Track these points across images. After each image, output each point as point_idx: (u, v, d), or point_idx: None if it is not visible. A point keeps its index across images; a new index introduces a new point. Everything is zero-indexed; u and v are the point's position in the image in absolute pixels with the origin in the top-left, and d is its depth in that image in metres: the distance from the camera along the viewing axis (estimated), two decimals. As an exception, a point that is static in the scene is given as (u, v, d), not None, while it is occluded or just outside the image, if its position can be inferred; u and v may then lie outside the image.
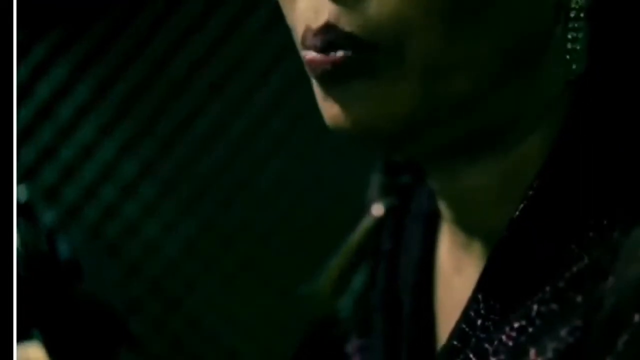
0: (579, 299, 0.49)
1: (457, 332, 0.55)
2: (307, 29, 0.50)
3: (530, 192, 0.52)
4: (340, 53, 0.49)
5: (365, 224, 0.71)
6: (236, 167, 1.93)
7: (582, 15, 0.50)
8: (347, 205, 1.97)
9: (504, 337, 0.51)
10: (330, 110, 0.51)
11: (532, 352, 0.49)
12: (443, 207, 0.59)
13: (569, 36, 0.50)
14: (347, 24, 0.48)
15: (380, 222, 0.70)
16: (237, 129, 1.91)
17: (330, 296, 0.71)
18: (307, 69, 0.52)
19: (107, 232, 1.89)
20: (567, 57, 0.51)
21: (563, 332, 0.48)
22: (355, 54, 0.49)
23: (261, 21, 1.87)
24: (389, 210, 0.69)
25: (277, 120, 1.92)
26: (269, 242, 1.97)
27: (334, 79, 0.50)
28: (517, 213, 0.52)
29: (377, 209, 0.70)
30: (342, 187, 1.96)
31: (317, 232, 1.98)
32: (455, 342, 0.55)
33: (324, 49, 0.49)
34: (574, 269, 0.50)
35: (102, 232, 1.88)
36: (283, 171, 1.95)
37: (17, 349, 1.28)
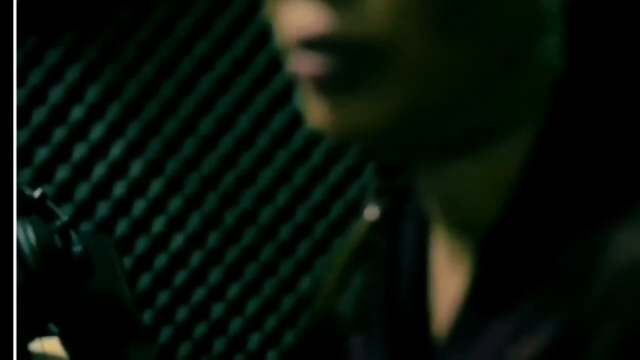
0: (564, 297, 0.49)
1: (452, 332, 0.56)
2: (295, 40, 0.49)
3: (512, 193, 0.52)
4: (327, 62, 0.48)
5: (361, 225, 0.69)
6: (240, 164, 1.94)
7: (559, 17, 0.50)
8: (347, 199, 2.01)
9: (494, 335, 0.52)
10: (316, 114, 0.50)
11: (521, 348, 0.50)
12: (430, 208, 0.59)
13: (547, 38, 0.50)
14: (335, 31, 0.47)
15: (376, 224, 0.68)
16: (241, 127, 1.93)
17: (331, 295, 0.70)
18: (295, 73, 0.51)
19: (116, 228, 1.92)
20: (547, 59, 0.50)
21: (549, 330, 0.49)
22: (344, 61, 0.48)
23: (263, 24, 1.88)
24: (384, 212, 0.67)
25: (279, 118, 1.94)
26: (273, 234, 1.99)
27: (323, 90, 0.49)
28: (500, 214, 0.52)
29: (372, 211, 0.68)
30: (342, 182, 1.99)
31: (319, 225, 2.00)
32: (450, 342, 0.56)
33: (311, 48, 0.49)
34: (559, 267, 0.50)
35: (112, 229, 1.91)
36: (285, 166, 1.96)
37: (34, 343, 1.32)
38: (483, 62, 0.48)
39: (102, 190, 1.90)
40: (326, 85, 0.49)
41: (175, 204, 1.93)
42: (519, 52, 0.49)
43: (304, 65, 0.49)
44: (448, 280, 0.60)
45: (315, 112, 0.50)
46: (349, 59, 0.48)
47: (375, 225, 0.68)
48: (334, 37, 0.47)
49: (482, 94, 0.50)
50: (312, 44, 0.48)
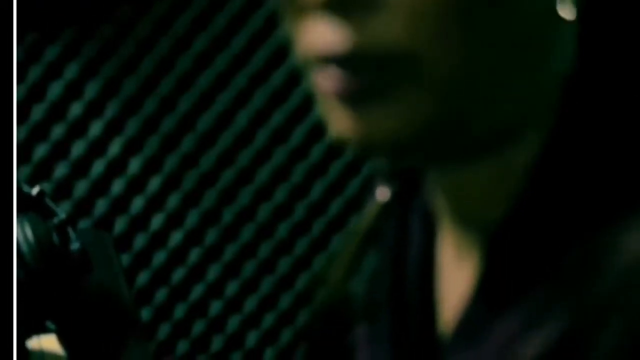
0: (570, 294, 0.50)
1: (458, 328, 0.57)
2: (320, 58, 0.49)
3: (521, 191, 0.53)
4: (353, 79, 0.48)
5: (371, 208, 0.69)
6: (239, 160, 1.94)
7: (571, 16, 0.49)
8: (346, 196, 2.01)
9: (500, 332, 0.53)
10: (341, 124, 0.51)
11: (526, 345, 0.51)
12: (438, 202, 0.60)
13: (560, 37, 0.50)
14: (354, 48, 0.48)
15: (386, 207, 0.68)
16: (240, 124, 1.93)
17: (341, 281, 0.70)
18: (319, 87, 0.51)
19: (115, 226, 1.92)
20: (558, 62, 0.51)
21: (554, 327, 0.49)
22: (368, 76, 0.48)
23: (262, 20, 1.88)
24: (394, 195, 0.68)
25: (278, 115, 1.94)
26: (271, 231, 1.99)
27: (348, 102, 0.50)
28: (508, 211, 0.53)
29: (383, 193, 0.68)
30: (341, 179, 1.99)
31: (317, 222, 2.00)
32: (455, 338, 0.57)
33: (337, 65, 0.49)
34: (565, 264, 0.50)
35: (110, 226, 1.91)
36: (284, 163, 1.96)
37: (32, 340, 1.32)
38: (501, 66, 0.49)
39: (100, 187, 1.90)
40: (351, 99, 0.49)
41: (173, 201, 1.94)
42: (534, 56, 0.50)
43: (327, 82, 0.50)
44: (455, 276, 0.60)
45: (340, 122, 0.51)
46: (372, 74, 0.48)
47: (385, 208, 0.68)
48: (354, 54, 0.48)
49: (501, 97, 0.50)
50: (338, 62, 0.48)
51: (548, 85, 0.52)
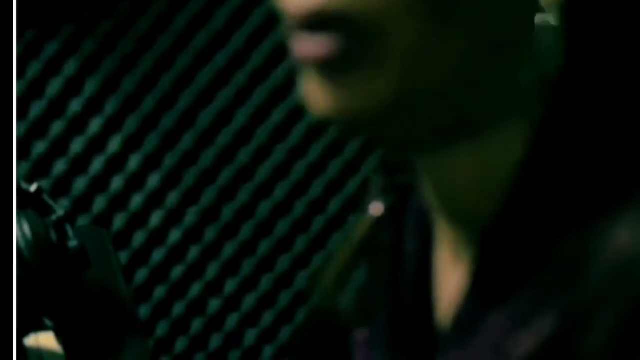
0: (561, 289, 0.50)
1: (452, 325, 0.57)
2: (294, 16, 0.51)
3: (510, 187, 0.53)
4: (325, 42, 0.50)
5: (365, 221, 0.70)
6: (238, 158, 1.95)
7: (555, 10, 0.50)
8: (345, 194, 2.01)
9: (492, 329, 0.53)
10: (317, 98, 0.52)
11: (518, 341, 0.51)
12: (432, 203, 0.60)
13: (542, 33, 0.50)
14: (328, 7, 0.49)
15: (380, 220, 0.69)
16: (239, 121, 1.93)
17: (332, 290, 0.71)
18: (295, 57, 0.53)
19: (114, 223, 1.92)
20: (542, 53, 0.50)
21: (545, 322, 0.50)
22: (341, 40, 0.49)
23: (262, 17, 1.89)
24: (388, 209, 0.69)
25: (278, 113, 1.94)
26: (270, 229, 1.99)
27: (324, 72, 0.51)
28: (498, 208, 0.54)
29: (377, 208, 0.69)
30: (340, 177, 1.99)
31: (317, 220, 2.00)
32: (449, 335, 0.58)
33: (311, 29, 0.50)
34: (556, 260, 0.51)
35: (109, 223, 1.91)
36: (284, 161, 1.96)
37: (29, 338, 1.32)
38: (473, 48, 0.49)
39: (99, 184, 1.90)
40: (327, 67, 0.50)
41: (172, 198, 1.94)
42: (511, 44, 0.50)
43: (305, 48, 0.51)
44: (451, 274, 0.61)
45: (316, 96, 0.52)
46: (345, 38, 0.49)
47: (379, 221, 0.69)
48: (327, 13, 0.49)
49: (473, 81, 0.50)
50: (311, 24, 0.50)
51: (528, 78, 0.52)
